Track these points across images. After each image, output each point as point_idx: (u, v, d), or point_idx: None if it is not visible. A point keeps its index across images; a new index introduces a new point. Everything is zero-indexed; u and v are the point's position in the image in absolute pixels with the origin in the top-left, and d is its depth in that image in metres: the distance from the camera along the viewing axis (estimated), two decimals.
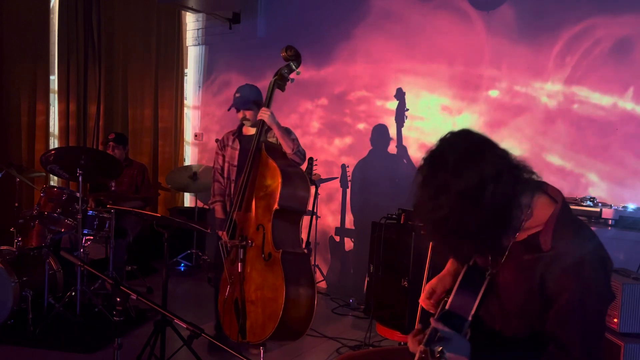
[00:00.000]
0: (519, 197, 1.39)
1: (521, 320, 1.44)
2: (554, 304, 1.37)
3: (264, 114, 3.27)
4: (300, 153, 3.35)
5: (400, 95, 4.66)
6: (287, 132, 3.36)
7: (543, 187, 1.48)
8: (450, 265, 1.88)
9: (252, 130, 3.50)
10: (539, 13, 3.97)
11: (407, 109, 4.64)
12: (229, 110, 3.57)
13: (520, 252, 1.45)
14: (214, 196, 3.61)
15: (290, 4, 5.35)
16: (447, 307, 1.52)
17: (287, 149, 3.30)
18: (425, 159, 1.45)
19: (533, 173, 1.43)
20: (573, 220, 1.45)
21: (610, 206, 3.06)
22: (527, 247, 1.44)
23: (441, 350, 1.26)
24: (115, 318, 1.74)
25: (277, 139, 3.36)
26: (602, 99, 3.71)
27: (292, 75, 3.37)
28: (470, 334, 1.46)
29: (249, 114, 3.46)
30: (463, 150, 1.39)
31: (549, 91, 3.94)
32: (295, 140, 3.34)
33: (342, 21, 4.97)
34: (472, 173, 1.34)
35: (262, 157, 3.23)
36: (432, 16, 4.44)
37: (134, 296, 1.67)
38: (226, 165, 3.57)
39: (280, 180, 3.05)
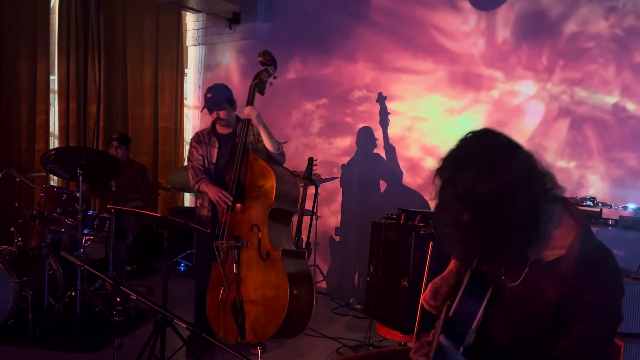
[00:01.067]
0: (545, 205, 1.33)
1: (526, 337, 1.41)
2: (569, 331, 1.33)
3: (251, 113, 3.29)
4: (283, 155, 3.42)
5: (399, 95, 4.66)
6: (271, 134, 3.39)
7: (567, 205, 1.43)
8: (453, 264, 1.87)
9: (226, 130, 3.51)
10: (539, 13, 3.96)
11: (389, 113, 4.67)
12: (201, 111, 3.57)
13: (541, 271, 1.40)
14: (196, 177, 3.47)
15: (290, 4, 5.35)
16: (450, 313, 1.49)
17: (272, 148, 3.34)
18: (448, 160, 1.39)
19: (558, 185, 1.38)
20: (597, 247, 1.38)
21: (611, 206, 3.06)
22: (548, 269, 1.39)
23: None
24: (115, 318, 1.74)
25: (257, 138, 3.38)
26: (602, 99, 3.71)
27: (270, 80, 3.41)
28: (472, 342, 1.44)
29: (222, 114, 3.45)
30: (489, 152, 1.34)
31: (549, 91, 3.94)
32: (280, 144, 3.40)
33: (342, 21, 4.97)
34: (499, 175, 1.30)
35: (250, 158, 3.23)
36: (433, 16, 4.44)
37: (134, 296, 1.67)
38: (204, 161, 3.54)
39: (274, 180, 3.06)
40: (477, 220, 1.33)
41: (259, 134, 3.45)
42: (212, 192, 3.34)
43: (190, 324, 1.70)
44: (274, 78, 3.42)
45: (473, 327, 1.44)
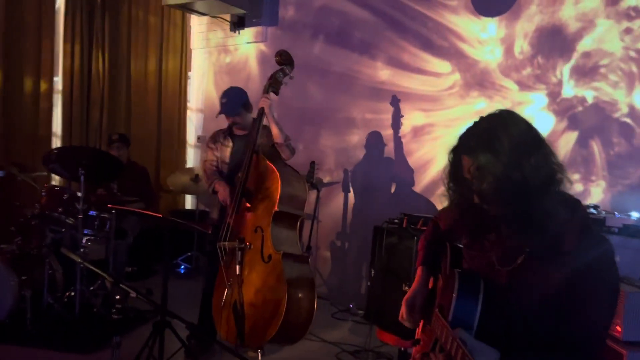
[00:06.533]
0: (556, 205, 1.36)
1: (540, 321, 1.39)
2: (579, 312, 1.34)
3: (264, 101, 3.29)
4: (291, 147, 3.39)
5: (403, 100, 4.66)
6: (281, 125, 3.37)
7: (571, 201, 1.44)
8: (420, 272, 1.86)
9: (242, 131, 3.53)
10: (557, 28, 3.97)
11: (403, 116, 4.65)
12: (217, 117, 3.57)
13: (537, 251, 1.41)
14: (209, 178, 3.56)
15: (294, 8, 5.36)
16: (449, 319, 1.47)
17: (278, 138, 3.33)
18: (470, 140, 1.43)
19: (567, 178, 1.40)
20: (595, 229, 1.43)
21: (614, 214, 3.05)
22: (544, 246, 1.39)
23: None
24: (114, 316, 1.73)
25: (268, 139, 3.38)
26: (610, 116, 3.72)
27: (285, 79, 3.40)
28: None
29: (238, 118, 3.49)
30: (521, 142, 1.36)
31: (560, 104, 3.93)
32: (288, 135, 3.38)
33: (347, 23, 4.97)
34: (530, 170, 1.32)
35: (259, 159, 3.23)
36: (454, 20, 4.41)
37: (133, 294, 1.66)
38: (218, 162, 3.59)
39: (279, 182, 3.04)
40: (493, 206, 1.34)
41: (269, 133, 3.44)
42: (221, 190, 3.39)
43: (188, 322, 1.69)
44: (290, 78, 3.40)
45: (474, 327, 1.43)
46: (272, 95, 3.33)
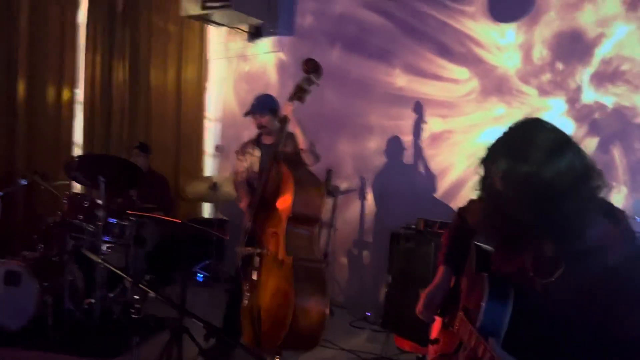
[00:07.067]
0: (591, 212, 1.30)
1: (572, 334, 1.35)
2: (619, 337, 1.30)
3: (287, 107, 3.30)
4: (316, 153, 3.40)
5: (419, 107, 4.65)
6: (306, 131, 3.38)
7: (612, 210, 1.41)
8: (442, 270, 1.85)
9: (270, 139, 3.53)
10: (575, 33, 3.94)
11: (425, 122, 4.63)
12: (245, 116, 3.62)
13: (578, 264, 1.36)
14: (237, 190, 3.67)
15: (312, 17, 5.40)
16: (478, 324, 1.44)
17: (302, 144, 3.34)
18: (498, 149, 1.38)
19: (605, 183, 1.34)
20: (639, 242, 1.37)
21: (635, 219, 3.00)
22: (586, 260, 1.34)
23: None
24: (132, 316, 1.75)
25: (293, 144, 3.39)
26: (631, 122, 3.67)
27: (311, 87, 3.38)
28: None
29: (264, 120, 3.53)
30: (546, 147, 1.30)
31: (579, 111, 3.90)
32: (312, 141, 3.38)
33: (365, 31, 4.98)
34: (554, 175, 1.27)
35: (278, 166, 3.25)
36: (471, 26, 4.41)
37: (152, 294, 1.68)
38: (247, 172, 3.64)
39: (293, 187, 3.06)
40: (520, 214, 1.30)
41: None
42: (243, 200, 3.45)
43: (206, 322, 1.70)
44: (317, 86, 3.37)
45: (502, 335, 1.39)
46: (296, 103, 3.33)
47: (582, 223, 1.29)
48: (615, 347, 1.30)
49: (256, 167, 3.59)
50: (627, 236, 1.37)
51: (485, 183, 1.41)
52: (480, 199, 1.48)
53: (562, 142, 1.35)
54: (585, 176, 1.31)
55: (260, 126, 3.56)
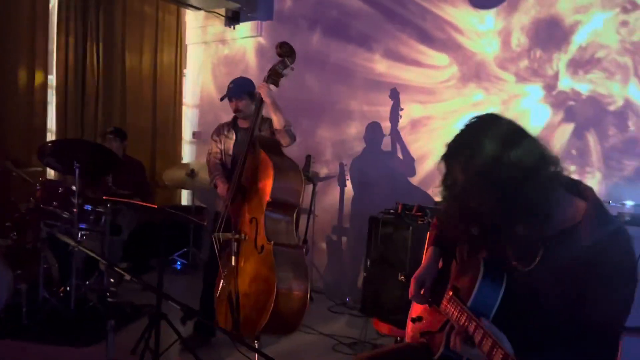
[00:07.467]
0: (554, 192, 1.36)
1: (556, 317, 1.40)
2: (594, 303, 1.34)
3: (262, 87, 3.28)
4: (291, 133, 3.36)
5: (401, 92, 4.65)
6: (281, 111, 3.35)
7: (577, 187, 1.46)
8: (431, 252, 1.87)
9: (246, 123, 3.52)
10: (553, 20, 3.97)
11: (402, 109, 4.64)
12: (222, 100, 3.60)
13: (555, 247, 1.41)
14: (211, 173, 3.61)
15: (290, 2, 5.34)
16: (469, 303, 1.49)
17: (277, 124, 3.32)
18: (456, 144, 1.44)
19: (563, 168, 1.41)
20: (611, 218, 1.42)
21: (609, 202, 3.06)
22: (561, 242, 1.40)
23: None
24: (108, 299, 1.72)
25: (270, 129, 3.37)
26: (606, 109, 3.72)
27: (286, 71, 3.36)
28: None
29: (241, 104, 3.51)
30: (501, 137, 1.37)
31: (556, 97, 3.93)
32: (288, 121, 3.34)
33: (345, 15, 4.95)
34: (512, 162, 1.33)
35: (255, 150, 3.22)
36: (451, 12, 4.40)
37: (127, 277, 1.65)
38: (221, 154, 3.62)
39: (272, 172, 3.03)
40: (485, 205, 1.35)
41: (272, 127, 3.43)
42: (221, 186, 3.42)
43: (185, 305, 1.68)
44: (291, 70, 3.36)
45: (491, 317, 1.44)
46: (271, 86, 3.31)
47: (548, 202, 1.34)
48: (592, 326, 1.34)
49: (230, 150, 3.58)
50: (597, 209, 1.41)
51: (447, 179, 1.46)
52: (443, 198, 1.51)
53: (516, 132, 1.42)
54: (543, 161, 1.36)
55: (237, 110, 3.54)
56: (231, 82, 3.57)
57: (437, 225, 1.93)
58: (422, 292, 1.80)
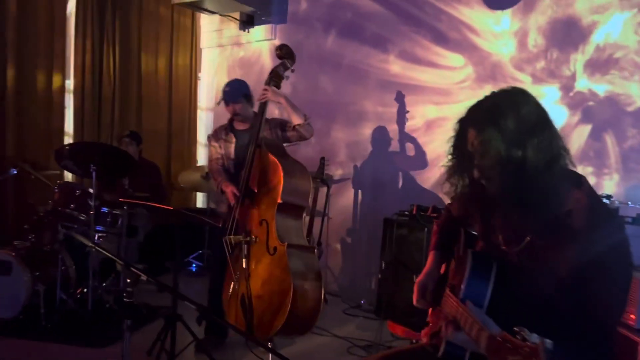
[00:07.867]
0: (560, 186, 1.36)
1: (550, 304, 1.38)
2: (589, 297, 1.32)
3: (265, 93, 3.29)
4: (310, 127, 3.40)
5: (416, 93, 4.63)
6: (296, 106, 3.38)
7: (573, 176, 1.45)
8: (432, 257, 1.86)
9: (243, 125, 3.53)
10: (571, 20, 3.92)
11: (408, 111, 4.65)
12: (218, 104, 3.61)
13: (546, 231, 1.39)
14: (216, 179, 3.53)
15: (307, 2, 5.35)
16: (460, 296, 1.48)
17: (298, 120, 3.34)
18: (484, 114, 1.41)
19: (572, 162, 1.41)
20: (604, 205, 1.44)
21: (628, 204, 3.02)
22: (554, 227, 1.38)
23: None
24: (125, 300, 1.73)
25: (274, 133, 3.36)
26: (624, 109, 3.66)
27: (286, 73, 3.39)
28: None
29: (238, 107, 3.49)
30: (530, 121, 1.36)
31: (573, 98, 3.89)
32: (306, 114, 3.37)
33: (360, 16, 4.94)
34: (537, 148, 1.33)
35: (262, 153, 3.22)
36: (467, 13, 4.38)
37: (143, 277, 1.66)
38: (223, 159, 3.57)
39: (282, 175, 3.03)
40: (498, 185, 1.35)
41: (277, 127, 3.43)
42: (229, 192, 3.37)
43: (200, 305, 1.68)
44: (292, 71, 3.39)
45: (484, 307, 1.42)
46: (273, 88, 3.32)
47: (546, 195, 1.34)
48: (586, 318, 1.31)
49: (232, 154, 3.53)
50: (590, 197, 1.40)
51: (458, 142, 1.45)
52: (455, 188, 1.52)
53: (544, 120, 1.39)
54: (558, 155, 1.36)
55: (234, 113, 3.51)
56: (226, 86, 3.53)
57: (437, 229, 1.93)
58: (425, 297, 1.79)
